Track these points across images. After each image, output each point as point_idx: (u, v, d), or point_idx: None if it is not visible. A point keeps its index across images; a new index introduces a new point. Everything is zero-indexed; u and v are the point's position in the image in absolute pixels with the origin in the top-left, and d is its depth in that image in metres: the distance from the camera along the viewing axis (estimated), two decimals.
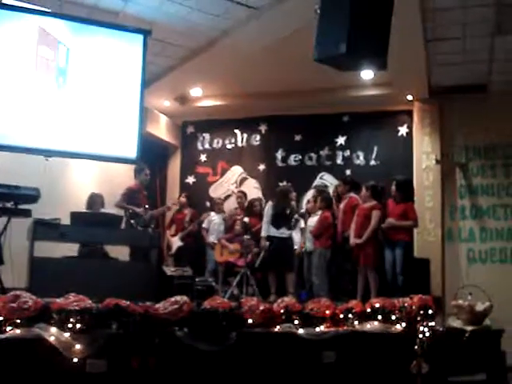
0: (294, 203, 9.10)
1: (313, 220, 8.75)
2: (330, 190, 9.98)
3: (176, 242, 9.98)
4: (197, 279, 7.65)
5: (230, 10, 7.57)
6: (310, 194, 10.05)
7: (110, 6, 7.56)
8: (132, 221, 7.87)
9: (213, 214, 10.11)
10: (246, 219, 9.54)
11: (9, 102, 7.28)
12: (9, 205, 6.06)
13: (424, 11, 7.21)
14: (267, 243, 8.44)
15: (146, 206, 8.23)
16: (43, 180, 6.86)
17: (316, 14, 5.15)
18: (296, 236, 8.79)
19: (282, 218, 8.51)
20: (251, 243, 8.87)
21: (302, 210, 9.72)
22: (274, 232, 8.45)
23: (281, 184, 10.21)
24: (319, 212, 8.70)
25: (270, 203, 8.90)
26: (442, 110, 9.99)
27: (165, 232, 10.50)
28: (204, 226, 9.98)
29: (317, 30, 5.11)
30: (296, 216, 8.78)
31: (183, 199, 10.39)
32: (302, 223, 9.01)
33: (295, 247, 8.74)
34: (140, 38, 7.91)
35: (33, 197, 6.09)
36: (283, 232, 8.46)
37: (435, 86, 9.64)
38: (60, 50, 7.58)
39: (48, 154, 7.35)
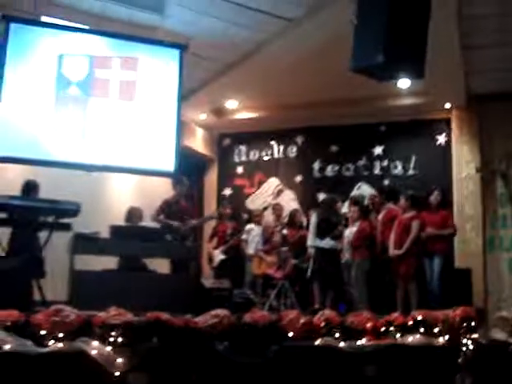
0: (340, 213, 9.00)
1: (351, 231, 8.67)
2: (367, 201, 9.91)
3: (218, 255, 9.97)
4: (235, 291, 7.64)
5: (265, 23, 7.60)
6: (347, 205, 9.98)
7: (147, 22, 7.66)
8: (169, 236, 7.89)
9: (252, 225, 10.10)
10: (285, 231, 9.51)
11: (49, 118, 7.41)
12: (50, 219, 6.14)
13: (461, 18, 7.13)
14: (312, 251, 8.38)
15: (186, 217, 8.25)
16: (83, 194, 6.96)
17: (352, 25, 5.14)
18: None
19: (327, 228, 8.44)
20: (288, 255, 8.84)
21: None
22: (318, 243, 8.39)
23: (319, 195, 10.15)
24: (357, 223, 8.62)
25: (315, 214, 8.85)
26: (481, 118, 9.85)
27: (203, 244, 10.53)
28: (243, 237, 9.98)
29: (353, 39, 5.10)
30: (341, 226, 8.68)
31: (227, 210, 10.41)
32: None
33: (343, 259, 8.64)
34: (176, 52, 8.00)
35: (73, 211, 6.15)
36: (327, 242, 8.38)
37: (473, 93, 9.53)
38: (97, 67, 7.70)
39: (89, 168, 7.47)
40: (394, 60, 4.86)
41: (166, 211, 8.31)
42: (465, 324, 4.97)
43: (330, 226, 8.47)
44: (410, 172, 10.45)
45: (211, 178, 11.94)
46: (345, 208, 9.87)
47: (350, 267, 8.44)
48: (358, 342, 4.54)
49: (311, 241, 8.47)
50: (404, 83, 9.18)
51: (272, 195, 11.39)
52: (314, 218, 8.66)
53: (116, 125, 7.74)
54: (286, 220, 9.94)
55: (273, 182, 11.46)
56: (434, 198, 8.04)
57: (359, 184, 10.74)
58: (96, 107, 7.65)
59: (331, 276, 8.32)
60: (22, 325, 3.56)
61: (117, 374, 3.52)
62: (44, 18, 7.53)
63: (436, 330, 4.92)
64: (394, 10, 4.83)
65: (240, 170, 11.71)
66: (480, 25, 7.38)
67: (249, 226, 10.06)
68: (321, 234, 8.40)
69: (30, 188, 6.83)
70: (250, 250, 9.76)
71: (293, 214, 9.88)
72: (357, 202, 9.27)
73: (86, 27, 7.71)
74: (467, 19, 7.22)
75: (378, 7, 4.87)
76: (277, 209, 10.34)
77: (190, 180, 9.14)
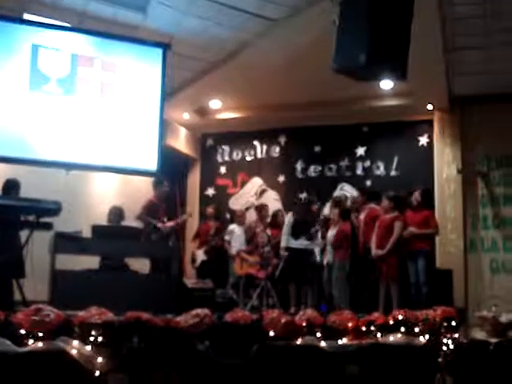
0: (315, 213, 9.02)
1: (333, 232, 8.69)
2: (349, 201, 9.95)
3: (200, 256, 9.95)
4: (217, 291, 7.63)
5: (248, 23, 7.60)
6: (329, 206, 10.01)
7: (129, 21, 7.63)
8: (153, 235, 7.86)
9: (234, 226, 10.08)
10: (269, 231, 9.51)
11: (28, 116, 7.36)
12: (30, 218, 6.10)
13: (444, 20, 7.17)
14: (286, 253, 8.39)
15: (165, 220, 8.24)
16: (64, 193, 6.91)
17: (334, 25, 5.14)
18: (317, 247, 8.73)
19: (301, 229, 8.47)
20: (271, 255, 8.84)
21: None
22: (292, 243, 8.41)
23: (301, 195, 10.18)
24: (338, 223, 8.64)
25: (289, 214, 8.87)
26: (463, 120, 9.91)
27: (185, 244, 10.50)
28: (226, 238, 9.96)
29: (336, 40, 5.10)
30: (316, 226, 8.72)
31: (211, 210, 10.39)
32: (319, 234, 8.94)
33: (317, 259, 8.69)
34: (159, 51, 7.98)
35: (54, 210, 6.11)
36: (301, 243, 8.41)
37: (455, 95, 9.59)
38: (79, 65, 7.66)
39: (69, 167, 7.43)
40: (376, 61, 4.87)
41: (150, 211, 8.27)
42: (445, 324, 5.02)
43: (304, 226, 8.49)
44: (393, 173, 10.49)
45: (194, 177, 11.92)
46: (326, 209, 9.92)
47: (332, 268, 8.46)
48: (340, 342, 4.55)
49: (284, 242, 8.48)
50: (387, 84, 9.23)
51: (255, 195, 11.39)
52: (288, 219, 8.68)
53: (98, 123, 7.71)
54: (268, 220, 9.93)
55: (256, 182, 11.46)
56: (415, 198, 8.08)
57: (342, 184, 10.77)
58: (78, 106, 7.61)
59: (305, 276, 8.34)
60: (2, 324, 3.53)
61: (97, 373, 3.50)
62: (26, 16, 7.48)
63: (417, 329, 4.96)
64: (376, 10, 4.85)
65: (223, 169, 11.70)
66: (463, 27, 7.42)
67: (231, 227, 10.04)
68: (295, 234, 8.42)
69: (10, 187, 6.77)
70: (233, 251, 9.74)
71: (275, 215, 9.88)
72: (338, 203, 9.29)
73: (68, 25, 7.67)
74: (450, 21, 7.26)
75: (361, 8, 4.88)
76: (262, 209, 10.30)
77: (173, 180, 9.11)
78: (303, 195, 9.49)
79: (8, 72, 7.33)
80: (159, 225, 8.13)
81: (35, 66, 7.41)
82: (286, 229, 8.55)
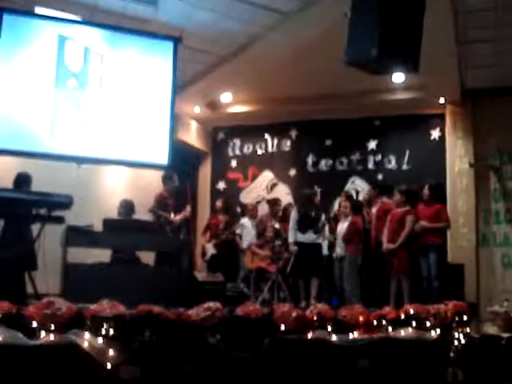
0: (319, 206, 8.95)
1: (343, 226, 8.67)
2: (361, 195, 9.92)
3: (210, 249, 9.96)
4: (228, 285, 7.63)
5: (259, 16, 7.58)
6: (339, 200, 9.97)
7: (140, 14, 7.63)
8: (167, 227, 7.87)
9: (246, 219, 10.08)
10: (277, 225, 9.49)
11: (40, 110, 7.39)
12: (42, 212, 6.13)
13: (456, 13, 7.13)
14: (295, 248, 8.38)
15: (173, 214, 8.25)
16: (76, 187, 6.93)
17: (346, 18, 5.12)
18: (324, 241, 8.72)
19: (308, 223, 8.44)
20: (282, 249, 8.83)
21: (330, 215, 9.62)
22: (300, 237, 8.39)
23: (311, 189, 10.15)
24: (349, 217, 8.62)
25: (294, 209, 8.87)
26: (475, 113, 9.85)
27: (196, 237, 10.51)
28: (237, 231, 9.96)
29: (347, 33, 5.08)
30: (323, 220, 8.67)
31: (219, 203, 10.39)
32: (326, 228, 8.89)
33: (325, 252, 8.68)
34: (170, 45, 7.99)
35: (65, 204, 6.14)
36: (309, 236, 8.38)
37: (468, 88, 9.53)
38: (92, 59, 7.67)
39: (80, 161, 7.45)
40: (387, 54, 4.85)
41: (161, 204, 8.29)
42: (457, 318, 4.99)
43: (310, 220, 8.46)
44: (404, 167, 10.45)
45: (205, 171, 11.92)
46: (337, 203, 9.89)
47: (343, 261, 8.45)
48: (351, 336, 4.54)
49: (292, 237, 8.46)
50: (398, 78, 9.17)
51: (266, 189, 11.39)
52: (293, 215, 8.65)
53: (110, 117, 7.74)
54: (279, 214, 9.92)
55: (267, 176, 11.46)
56: (424, 192, 8.06)
57: (353, 178, 10.75)
58: (90, 100, 7.63)
59: (314, 269, 8.31)
60: (14, 317, 3.55)
61: (108, 366, 3.52)
62: (38, 9, 7.49)
63: (428, 324, 4.94)
64: (388, 3, 4.82)
65: (234, 163, 11.69)
66: (475, 20, 7.38)
67: (243, 220, 10.04)
68: (302, 228, 8.39)
69: (22, 180, 6.80)
70: (244, 244, 9.74)
71: (286, 209, 9.87)
72: (349, 196, 9.26)
73: (79, 19, 7.68)
74: (462, 14, 7.21)
75: (373, 1, 4.85)
76: (275, 203, 10.27)
77: (184, 173, 9.11)
78: (306, 190, 9.42)
79: (34, 66, 7.36)
80: (172, 217, 8.15)
81: (62, 60, 7.46)
82: (292, 224, 8.54)
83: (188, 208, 8.51)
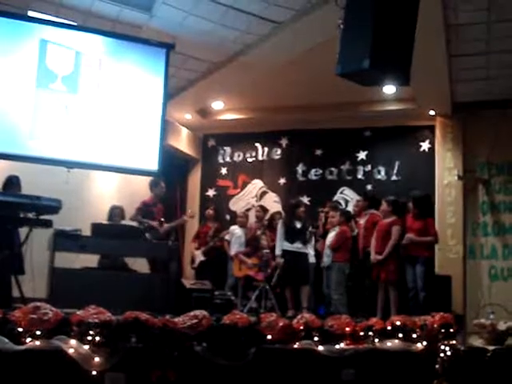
0: (303, 216, 8.94)
1: (331, 235, 8.68)
2: (351, 205, 9.94)
3: (199, 256, 9.95)
4: (216, 293, 7.63)
5: (253, 25, 7.60)
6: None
7: (133, 20, 7.63)
8: (147, 234, 7.83)
9: (235, 227, 10.07)
10: (267, 234, 9.48)
11: (30, 114, 7.36)
12: (30, 215, 6.09)
13: (447, 27, 7.18)
14: (282, 260, 8.38)
15: (162, 220, 8.22)
16: (65, 191, 6.90)
17: (339, 29, 5.14)
18: (311, 250, 8.73)
19: (295, 232, 8.46)
20: (270, 257, 8.83)
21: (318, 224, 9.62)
22: (287, 246, 8.40)
23: (298, 199, 10.16)
24: (337, 227, 8.63)
25: (281, 220, 8.88)
26: (465, 126, 9.91)
27: (184, 244, 10.49)
28: (226, 238, 9.96)
29: (340, 44, 5.09)
30: (310, 229, 8.69)
31: (211, 211, 10.39)
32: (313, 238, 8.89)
33: (310, 261, 8.68)
34: (163, 51, 7.98)
35: (54, 208, 6.11)
36: (297, 246, 8.40)
37: (458, 101, 9.59)
38: (84, 63, 7.66)
39: (70, 165, 7.42)
40: (379, 66, 4.86)
41: (143, 212, 8.26)
42: (443, 330, 5.01)
43: (297, 230, 8.48)
44: (393, 177, 10.49)
45: (195, 178, 11.91)
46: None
47: (330, 270, 8.45)
48: (337, 346, 4.55)
49: (279, 248, 8.46)
50: (389, 89, 9.24)
51: (255, 197, 11.39)
52: (279, 227, 8.66)
53: (100, 122, 7.71)
54: (265, 222, 9.93)
55: (256, 184, 11.46)
56: (409, 206, 8.09)
57: (342, 188, 10.77)
58: (80, 104, 7.61)
59: (302, 278, 8.32)
60: (0, 321, 3.53)
61: (94, 373, 3.50)
62: (31, 13, 7.48)
63: (414, 335, 4.95)
64: (381, 15, 4.84)
65: (224, 171, 11.69)
66: (466, 33, 7.42)
67: (232, 228, 10.04)
68: (290, 238, 8.41)
69: (11, 183, 6.77)
70: (232, 252, 9.73)
71: (272, 217, 9.88)
72: (336, 207, 9.26)
73: (73, 23, 7.67)
74: (453, 28, 7.26)
75: (366, 12, 4.87)
76: (259, 211, 10.28)
77: (174, 180, 9.11)
78: (293, 200, 9.40)
79: (15, 68, 7.32)
80: (154, 224, 8.11)
81: (43, 62, 7.42)
82: (279, 236, 8.56)
83: (184, 218, 8.50)
